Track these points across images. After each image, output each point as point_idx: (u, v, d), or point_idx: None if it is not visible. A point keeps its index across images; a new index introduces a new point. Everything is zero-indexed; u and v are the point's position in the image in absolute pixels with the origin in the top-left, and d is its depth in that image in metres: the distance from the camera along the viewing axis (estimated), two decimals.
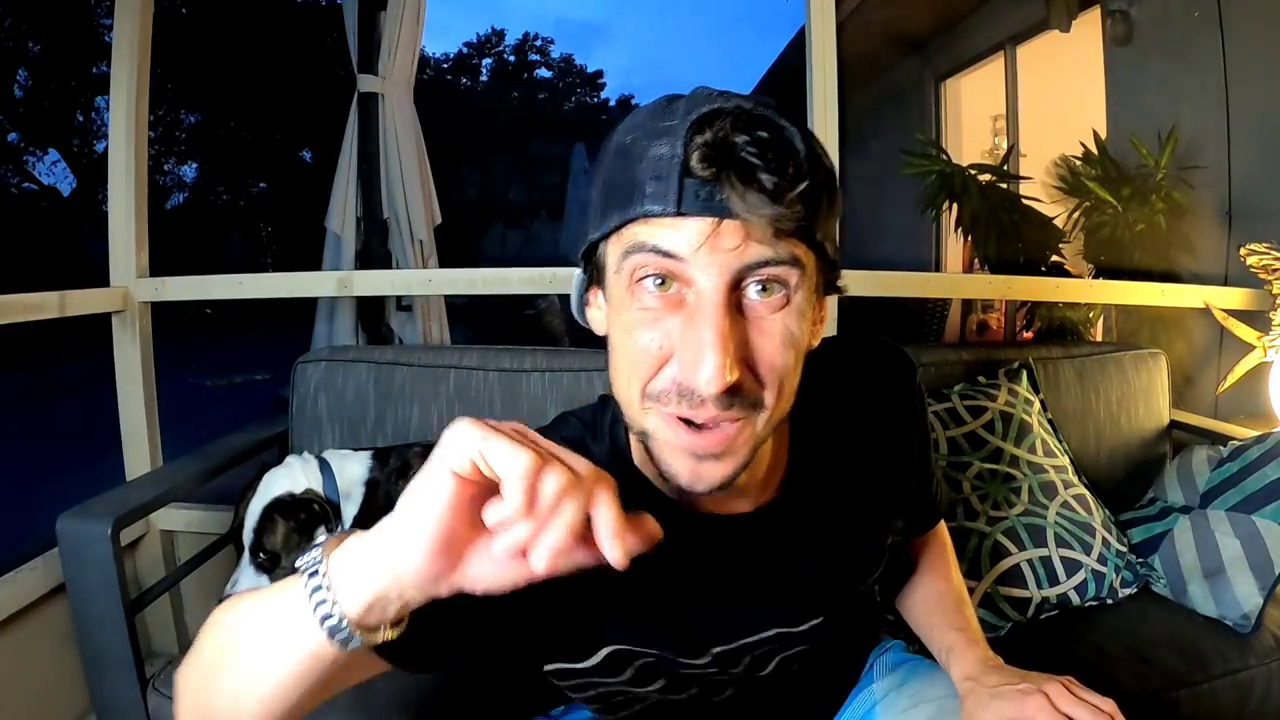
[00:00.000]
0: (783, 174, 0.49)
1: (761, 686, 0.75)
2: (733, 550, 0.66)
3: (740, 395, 0.52)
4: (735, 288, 0.51)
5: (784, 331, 0.53)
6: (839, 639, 0.77)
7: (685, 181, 0.49)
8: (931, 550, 0.90)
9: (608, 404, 0.69)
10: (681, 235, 0.50)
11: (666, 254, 0.50)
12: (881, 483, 0.73)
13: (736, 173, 0.48)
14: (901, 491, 0.77)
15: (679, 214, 0.49)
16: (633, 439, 0.65)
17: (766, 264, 0.51)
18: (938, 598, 0.85)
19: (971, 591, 1.22)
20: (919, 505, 0.84)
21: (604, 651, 0.67)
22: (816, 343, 0.59)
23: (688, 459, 0.54)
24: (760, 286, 0.51)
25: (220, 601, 1.20)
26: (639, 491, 0.64)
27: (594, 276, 0.59)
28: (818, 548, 0.70)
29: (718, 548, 0.65)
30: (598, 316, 0.61)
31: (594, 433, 0.69)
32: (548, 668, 0.69)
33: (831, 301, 1.64)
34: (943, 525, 0.92)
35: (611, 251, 0.55)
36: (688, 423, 0.53)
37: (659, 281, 0.52)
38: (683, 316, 0.51)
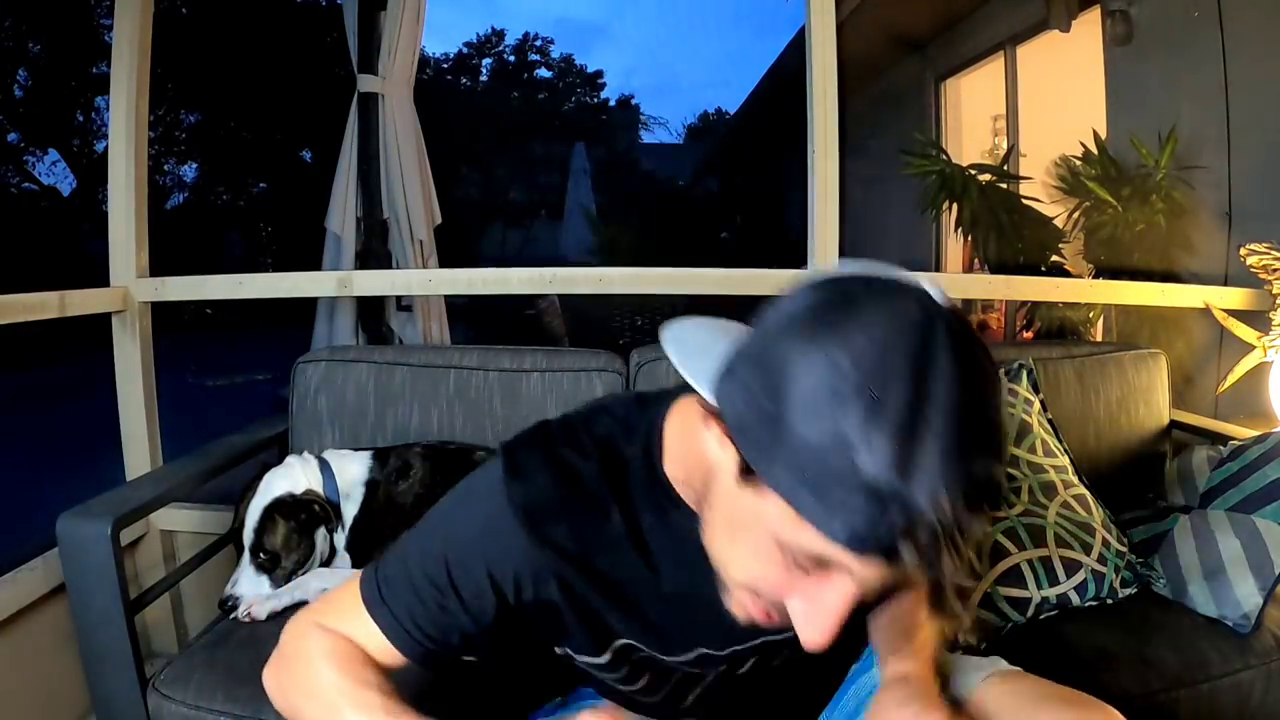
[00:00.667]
0: (962, 549, 0.48)
1: (740, 683, 0.78)
2: None
3: None
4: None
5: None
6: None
7: (889, 533, 0.46)
8: None
9: (646, 405, 0.71)
10: (845, 554, 0.49)
11: (821, 558, 0.50)
12: None
13: (932, 558, 0.47)
14: None
15: (858, 553, 0.48)
16: (670, 456, 0.67)
17: (896, 590, 0.57)
18: (893, 618, 0.83)
19: (971, 592, 1.22)
20: None
21: (616, 644, 0.71)
22: None
23: (751, 619, 0.59)
24: (877, 597, 0.54)
25: (218, 605, 1.20)
26: (661, 496, 0.67)
27: (733, 438, 0.52)
28: None
29: None
30: (715, 450, 0.55)
31: (628, 433, 0.70)
32: (559, 650, 0.73)
33: None
34: None
35: (759, 497, 0.51)
36: (766, 615, 0.57)
37: (807, 557, 0.51)
38: (816, 594, 0.53)
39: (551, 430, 0.71)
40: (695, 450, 0.59)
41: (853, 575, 0.51)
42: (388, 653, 0.68)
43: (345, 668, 0.66)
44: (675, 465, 0.67)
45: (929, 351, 0.47)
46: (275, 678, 0.71)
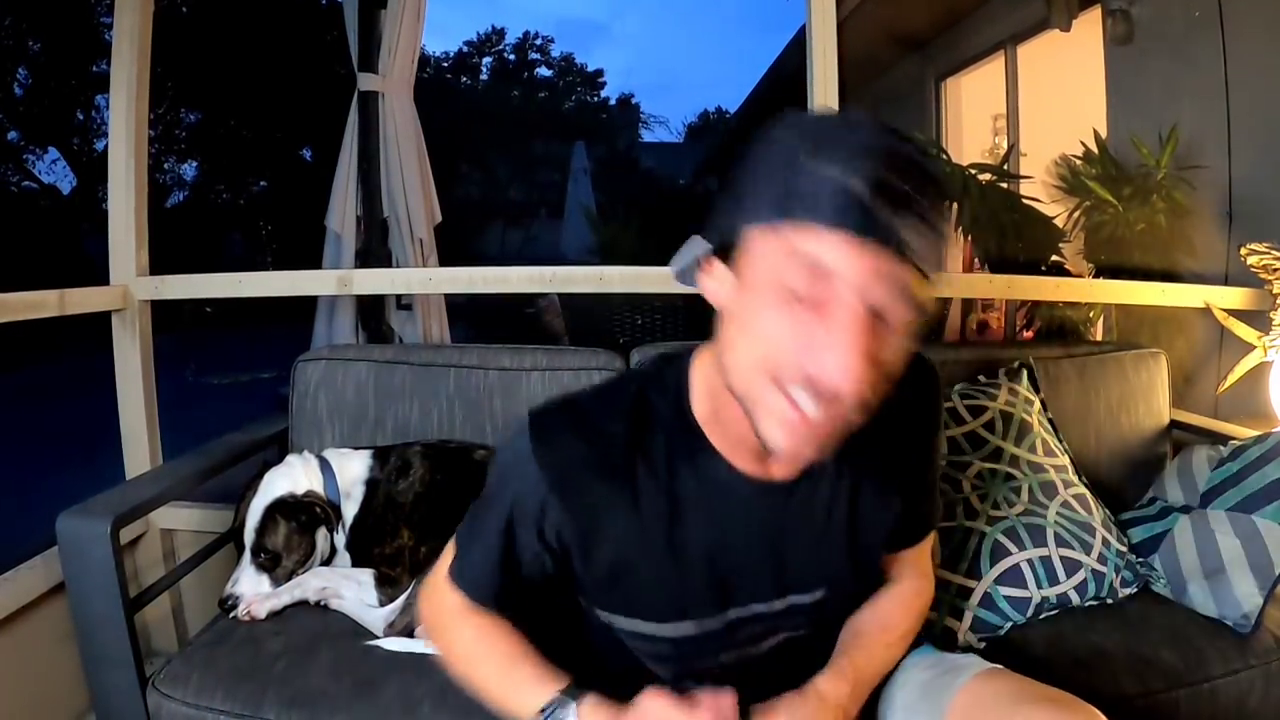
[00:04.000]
0: (943, 234, 0.57)
1: (761, 667, 0.81)
2: (764, 510, 0.73)
3: (846, 400, 0.58)
4: (876, 310, 0.57)
5: (895, 349, 0.59)
6: (838, 625, 0.83)
7: (866, 208, 0.54)
8: (893, 594, 0.87)
9: (671, 360, 0.76)
10: (845, 254, 0.55)
11: (828, 269, 0.56)
12: (893, 473, 0.79)
13: (913, 218, 0.55)
14: (905, 484, 0.81)
15: (855, 234, 0.55)
16: (696, 396, 0.72)
17: (907, 298, 0.57)
18: (856, 630, 0.83)
19: (971, 591, 1.22)
20: (912, 511, 0.84)
21: (648, 603, 0.75)
22: None
23: (792, 438, 0.60)
24: (896, 312, 0.58)
25: (218, 603, 1.20)
26: (694, 443, 0.71)
27: (724, 252, 0.64)
28: (832, 526, 0.76)
29: (753, 506, 0.73)
30: (714, 287, 0.65)
31: (659, 385, 0.74)
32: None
33: None
34: (927, 585, 0.90)
35: (763, 242, 0.59)
36: (791, 400, 0.59)
37: (809, 288, 0.57)
38: (828, 323, 0.57)
39: (579, 399, 0.76)
40: (711, 371, 0.68)
41: (849, 285, 0.56)
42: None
43: (466, 620, 0.78)
44: (702, 403, 0.72)
45: (864, 124, 0.59)
46: (437, 644, 0.83)
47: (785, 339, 0.58)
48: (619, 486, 0.70)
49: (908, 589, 0.88)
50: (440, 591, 0.81)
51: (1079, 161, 2.52)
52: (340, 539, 1.34)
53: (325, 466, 1.36)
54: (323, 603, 1.26)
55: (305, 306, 2.19)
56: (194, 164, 12.29)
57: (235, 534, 1.32)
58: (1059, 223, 2.53)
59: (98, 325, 1.65)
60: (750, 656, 0.80)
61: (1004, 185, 2.68)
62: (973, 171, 2.61)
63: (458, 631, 0.79)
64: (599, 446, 0.71)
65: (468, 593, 0.78)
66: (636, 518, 0.71)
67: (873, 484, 0.77)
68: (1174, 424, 1.63)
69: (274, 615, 1.22)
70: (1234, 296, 1.93)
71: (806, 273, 0.57)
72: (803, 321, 0.57)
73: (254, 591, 1.25)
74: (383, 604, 1.24)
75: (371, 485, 1.36)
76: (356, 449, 1.41)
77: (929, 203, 0.56)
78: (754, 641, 0.79)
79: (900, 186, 0.55)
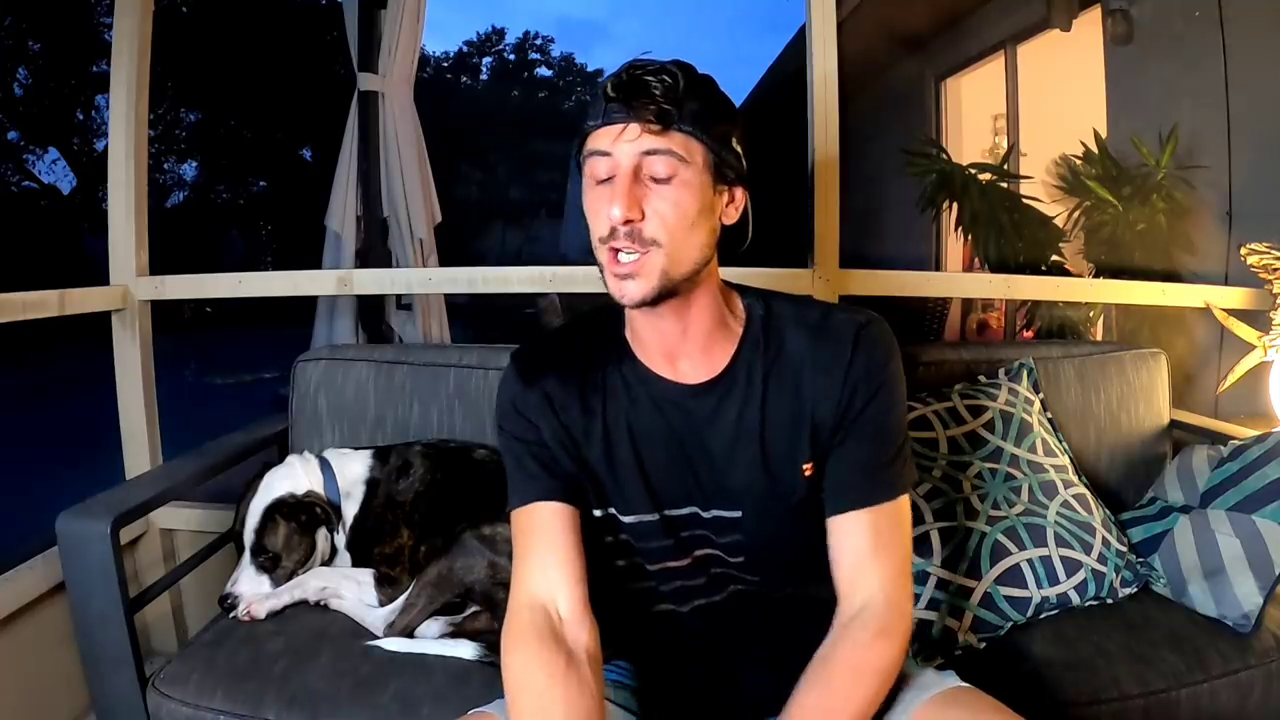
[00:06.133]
0: (664, 94, 0.76)
1: (726, 619, 0.90)
2: (680, 411, 0.86)
3: (640, 237, 0.77)
4: (640, 169, 0.77)
5: (672, 196, 0.77)
6: (786, 591, 0.91)
7: (606, 105, 0.78)
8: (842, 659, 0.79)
9: (607, 309, 0.90)
10: (607, 136, 0.77)
11: (601, 151, 0.78)
12: (809, 412, 0.85)
13: (633, 93, 0.76)
14: (826, 435, 0.85)
15: (604, 124, 0.78)
16: (627, 316, 0.88)
17: (656, 151, 0.76)
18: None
19: (971, 591, 1.22)
20: (856, 460, 0.83)
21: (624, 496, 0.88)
22: (730, 221, 0.84)
23: (614, 279, 0.79)
24: (656, 168, 0.77)
25: (218, 603, 1.21)
26: (622, 351, 0.88)
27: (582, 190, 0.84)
28: (742, 435, 0.85)
29: (668, 404, 0.86)
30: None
31: (610, 313, 0.90)
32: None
33: (830, 293, 1.64)
34: (892, 629, 0.80)
35: (582, 159, 0.82)
36: (615, 256, 0.78)
37: (601, 168, 0.79)
38: (612, 187, 0.78)
39: (554, 330, 0.98)
40: None
41: (615, 156, 0.77)
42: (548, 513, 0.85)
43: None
44: (629, 321, 0.89)
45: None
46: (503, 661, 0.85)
47: (598, 208, 0.79)
48: (573, 389, 0.87)
49: (859, 645, 0.79)
50: (511, 608, 0.84)
51: (1079, 161, 2.52)
52: (340, 539, 1.34)
53: (325, 466, 1.36)
54: (323, 603, 1.26)
55: (305, 307, 2.19)
56: (194, 164, 12.30)
57: (235, 534, 1.32)
58: (1059, 223, 2.54)
59: (98, 325, 1.65)
60: (716, 606, 0.91)
61: (1004, 185, 2.68)
62: (973, 171, 2.62)
63: (510, 656, 0.81)
64: (560, 358, 0.90)
65: (524, 502, 0.86)
66: (584, 414, 0.87)
67: (787, 403, 0.85)
68: (1174, 424, 1.63)
69: (274, 615, 1.22)
70: (1234, 296, 1.92)
71: (594, 161, 0.79)
72: (603, 193, 0.78)
73: (254, 591, 1.25)
74: (383, 604, 1.24)
75: (371, 485, 1.36)
76: (356, 449, 1.41)
77: (654, 79, 0.76)
78: (710, 576, 0.90)
79: (623, 77, 0.77)
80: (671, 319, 0.83)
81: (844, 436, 0.84)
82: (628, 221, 0.76)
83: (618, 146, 0.77)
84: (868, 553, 0.81)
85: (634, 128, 0.76)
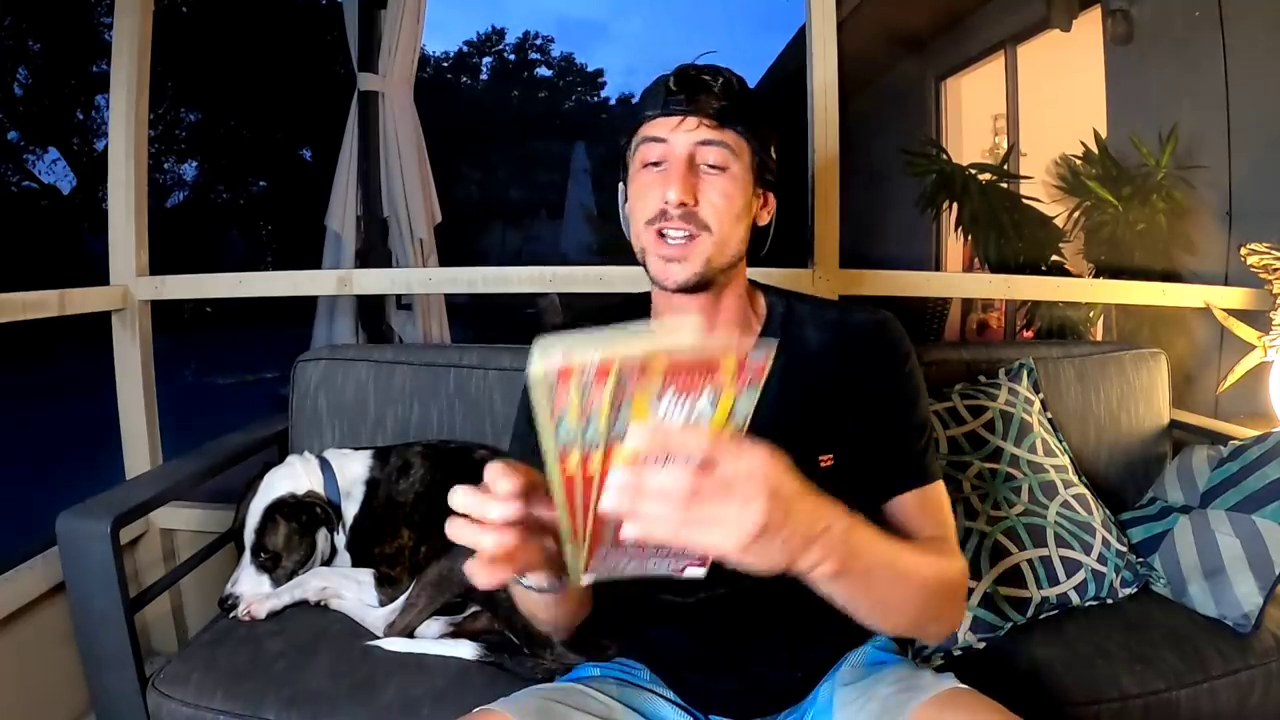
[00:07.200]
0: (723, 92, 0.81)
1: (734, 617, 0.89)
2: None
3: (695, 218, 0.80)
4: (694, 157, 0.81)
5: (723, 186, 0.81)
6: (796, 581, 0.83)
7: (667, 97, 0.82)
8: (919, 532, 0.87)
9: (633, 303, 0.96)
10: (665, 125, 0.82)
11: (657, 138, 0.82)
12: (828, 407, 0.87)
13: (695, 89, 0.81)
14: (842, 426, 0.87)
15: (663, 114, 0.82)
16: (654, 319, 0.90)
17: (711, 143, 0.81)
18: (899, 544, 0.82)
19: (971, 592, 1.22)
20: (887, 450, 0.87)
21: None
22: (762, 223, 0.88)
23: (660, 261, 0.82)
24: (710, 158, 0.81)
25: (218, 603, 1.21)
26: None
27: (624, 178, 0.89)
28: (758, 427, 0.81)
29: None
30: (623, 203, 0.91)
31: (619, 315, 0.92)
32: None
33: (830, 293, 1.64)
34: (957, 556, 0.86)
35: (634, 147, 0.85)
36: (662, 238, 0.81)
37: (654, 153, 0.83)
38: (665, 171, 0.82)
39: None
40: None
41: (671, 143, 0.81)
42: None
43: None
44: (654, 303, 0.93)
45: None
46: None
47: (648, 191, 0.82)
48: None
49: (939, 542, 0.87)
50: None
51: (1079, 161, 2.52)
52: (340, 539, 1.34)
53: (325, 466, 1.36)
54: (323, 603, 1.26)
55: (305, 307, 2.19)
56: (194, 164, 12.28)
57: (235, 534, 1.32)
58: (1059, 223, 2.53)
59: (98, 325, 1.65)
60: (724, 599, 0.89)
61: (1004, 185, 2.68)
62: (973, 171, 2.61)
63: None
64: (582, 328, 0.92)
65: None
66: None
67: (803, 397, 0.86)
68: (1174, 424, 1.63)
69: (274, 615, 1.22)
70: (1234, 296, 1.92)
71: (648, 146, 0.83)
72: (655, 177, 0.82)
73: (254, 591, 1.25)
74: (383, 604, 1.24)
75: (372, 485, 1.36)
76: (357, 449, 1.41)
77: (712, 79, 0.81)
78: (719, 567, 0.85)
79: (688, 74, 0.82)
80: (701, 314, 0.86)
81: (875, 428, 0.87)
82: (682, 204, 0.79)
83: (675, 135, 0.81)
84: (922, 527, 0.86)
85: (692, 120, 0.81)
